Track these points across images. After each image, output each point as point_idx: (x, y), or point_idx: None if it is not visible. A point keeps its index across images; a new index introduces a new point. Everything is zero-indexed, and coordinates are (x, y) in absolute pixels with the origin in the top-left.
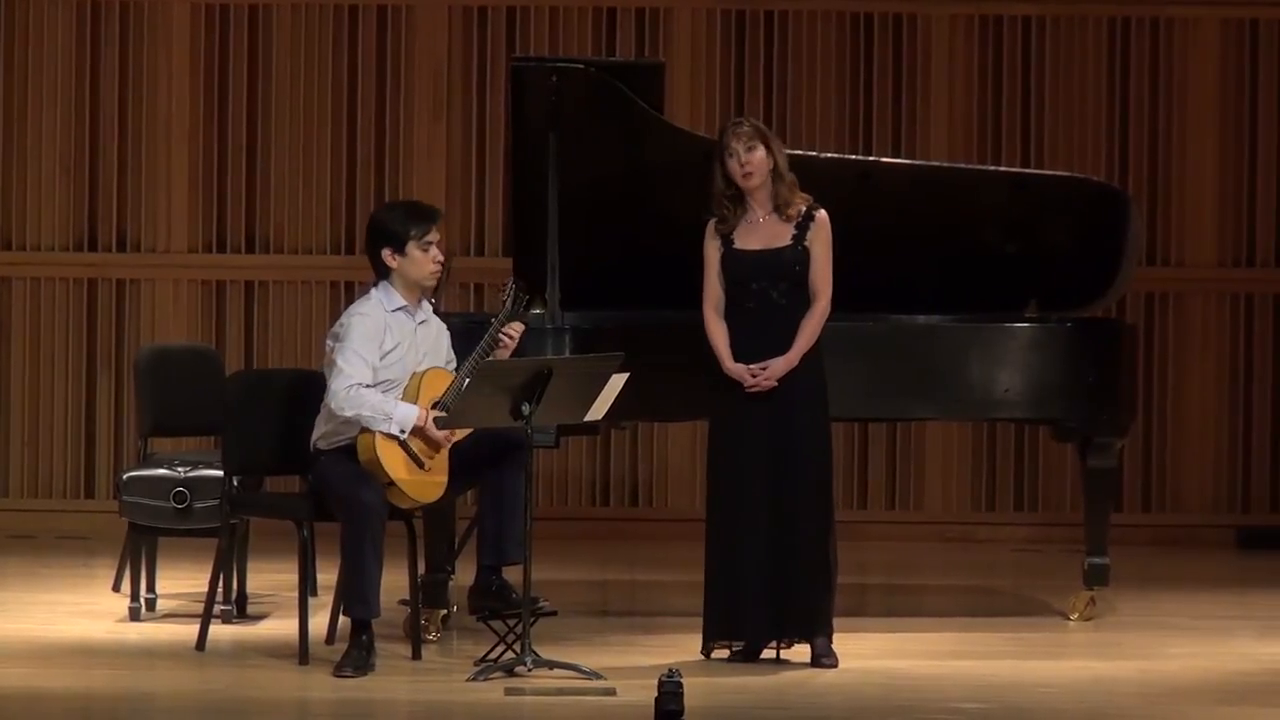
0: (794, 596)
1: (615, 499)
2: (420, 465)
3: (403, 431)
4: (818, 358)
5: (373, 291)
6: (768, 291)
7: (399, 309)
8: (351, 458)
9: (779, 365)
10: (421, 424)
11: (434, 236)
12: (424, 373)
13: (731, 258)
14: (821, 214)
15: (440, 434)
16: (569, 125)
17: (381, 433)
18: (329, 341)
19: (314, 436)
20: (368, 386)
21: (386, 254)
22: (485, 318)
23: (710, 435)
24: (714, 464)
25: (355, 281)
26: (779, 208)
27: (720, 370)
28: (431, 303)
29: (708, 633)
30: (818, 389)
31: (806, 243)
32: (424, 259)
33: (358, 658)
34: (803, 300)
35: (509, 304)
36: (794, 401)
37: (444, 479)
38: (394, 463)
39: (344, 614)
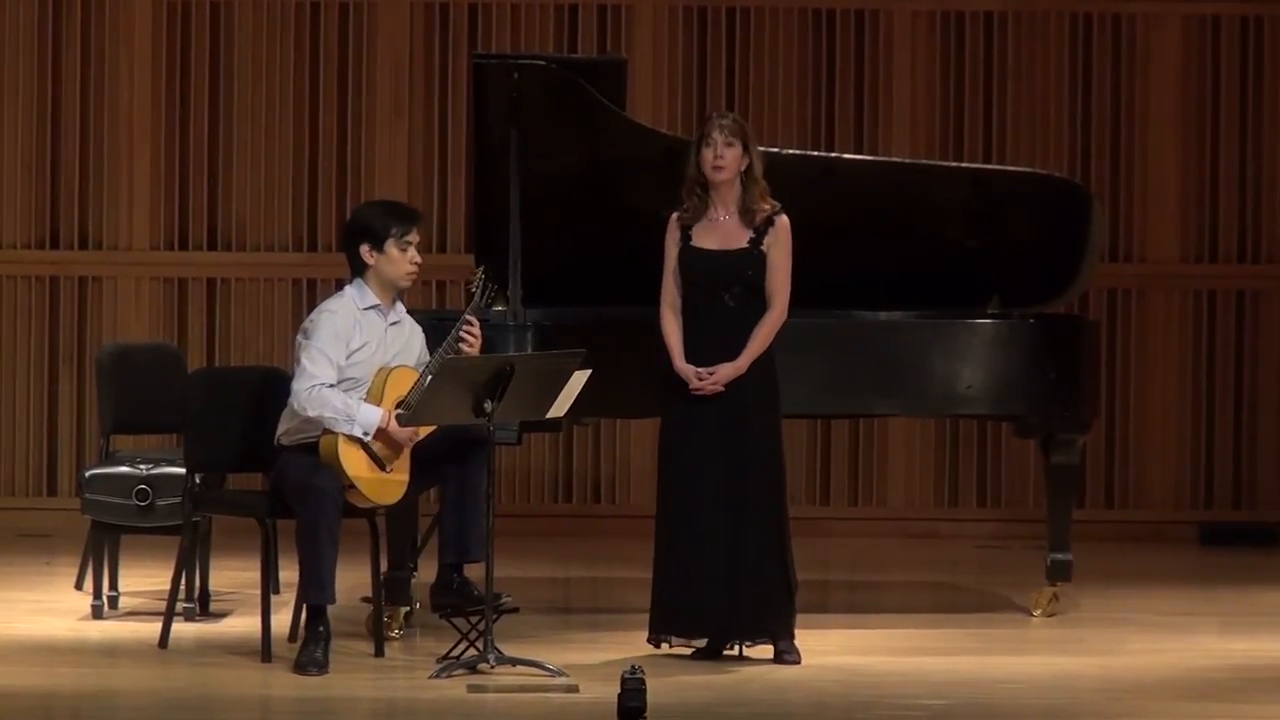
0: (748, 597)
1: (578, 496)
2: (382, 467)
3: (365, 434)
4: (770, 358)
5: (346, 288)
6: (719, 293)
7: (371, 308)
8: (313, 452)
9: (727, 371)
10: (384, 426)
11: (414, 238)
12: (390, 370)
13: (687, 255)
14: (783, 219)
15: (404, 435)
16: (531, 122)
17: (344, 434)
18: (299, 338)
19: (278, 432)
20: (330, 386)
21: (364, 250)
22: (450, 314)
23: (661, 433)
24: (665, 461)
25: (318, 279)
26: (743, 211)
27: (671, 368)
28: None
29: (654, 626)
30: (769, 389)
31: (764, 247)
32: (401, 259)
33: (317, 654)
34: (756, 305)
35: (478, 294)
36: (745, 402)
37: (405, 478)
38: (355, 464)
39: (302, 600)
